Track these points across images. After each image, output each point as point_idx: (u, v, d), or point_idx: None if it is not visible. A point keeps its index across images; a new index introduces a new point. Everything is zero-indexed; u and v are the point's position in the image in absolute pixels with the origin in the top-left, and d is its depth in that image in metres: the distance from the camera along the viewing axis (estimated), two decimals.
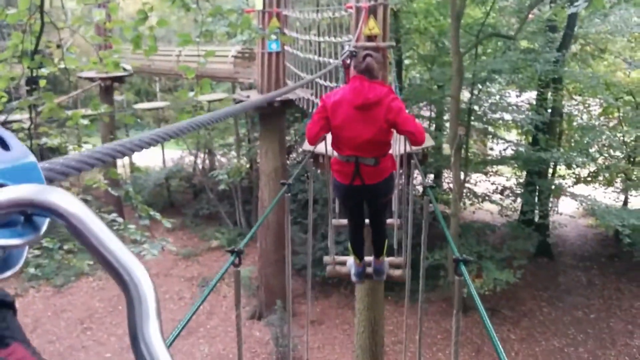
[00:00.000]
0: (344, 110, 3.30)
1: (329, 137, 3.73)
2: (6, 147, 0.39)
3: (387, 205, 4.12)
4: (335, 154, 3.56)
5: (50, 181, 0.43)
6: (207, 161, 19.95)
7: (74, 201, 0.35)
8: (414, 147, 3.75)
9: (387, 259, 4.60)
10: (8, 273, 0.36)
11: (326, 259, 4.83)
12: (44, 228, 0.37)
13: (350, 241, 4.24)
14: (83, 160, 0.67)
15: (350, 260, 4.44)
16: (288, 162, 14.78)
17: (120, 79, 15.74)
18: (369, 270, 4.42)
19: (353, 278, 4.43)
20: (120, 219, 6.69)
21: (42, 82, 4.02)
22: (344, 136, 3.34)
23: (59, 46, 4.00)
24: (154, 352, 0.32)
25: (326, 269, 4.74)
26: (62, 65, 3.93)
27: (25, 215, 0.36)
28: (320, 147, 4.79)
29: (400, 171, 5.16)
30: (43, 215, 0.36)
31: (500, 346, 1.57)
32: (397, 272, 4.61)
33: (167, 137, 0.93)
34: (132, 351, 0.32)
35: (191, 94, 4.04)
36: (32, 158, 0.41)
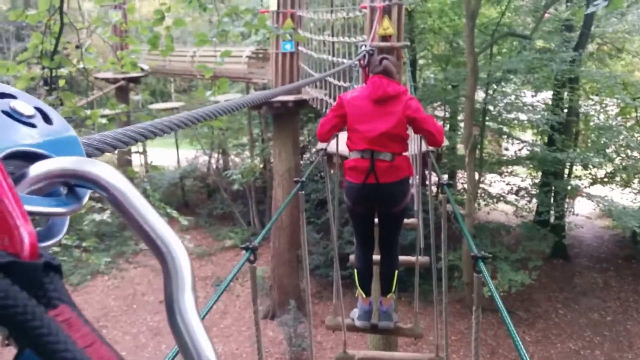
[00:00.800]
0: (362, 103, 3.31)
1: (341, 137, 3.67)
2: (49, 121, 0.41)
3: (400, 223, 3.67)
4: (349, 155, 3.47)
5: (88, 156, 0.45)
6: (220, 161, 20.06)
7: (115, 174, 0.36)
8: (430, 147, 3.67)
9: (404, 258, 4.20)
10: (52, 241, 0.37)
11: (352, 259, 4.29)
12: (85, 199, 0.38)
13: (357, 267, 3.78)
14: (118, 137, 0.70)
15: (355, 309, 3.94)
16: (301, 162, 14.80)
17: (136, 80, 15.89)
18: (374, 320, 3.84)
19: (357, 322, 3.83)
20: None
21: (61, 82, 4.08)
22: (360, 129, 3.29)
23: (77, 47, 4.05)
24: (189, 323, 0.32)
25: (326, 320, 4.18)
26: (81, 66, 3.98)
27: (68, 186, 0.37)
28: (333, 147, 4.75)
29: (416, 172, 5.11)
30: (85, 187, 0.37)
31: (522, 347, 1.56)
32: (407, 325, 4.02)
33: (195, 120, 0.96)
34: (167, 322, 0.33)
35: (208, 93, 4.07)
36: (73, 132, 0.42)
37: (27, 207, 0.32)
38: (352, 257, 4.36)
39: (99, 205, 6.70)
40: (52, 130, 0.40)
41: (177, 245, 0.35)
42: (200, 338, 0.32)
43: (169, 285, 0.33)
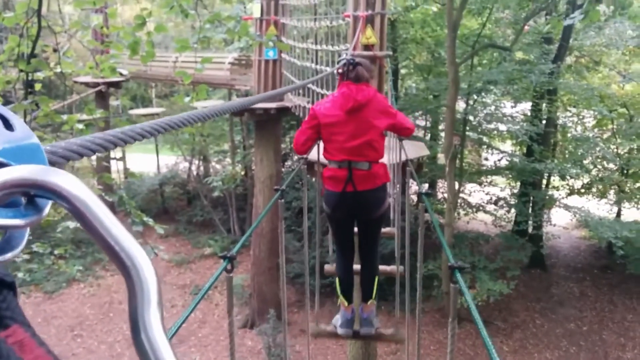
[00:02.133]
0: (336, 115, 3.34)
1: (322, 145, 3.68)
2: (10, 127, 0.39)
3: (379, 229, 3.74)
4: (327, 163, 3.50)
5: (52, 164, 0.42)
6: (201, 168, 19.92)
7: (77, 183, 0.34)
8: (409, 154, 3.77)
9: (381, 267, 4.24)
10: (9, 255, 0.35)
11: (327, 268, 4.45)
12: (46, 210, 0.36)
13: (339, 277, 3.77)
14: (85, 145, 0.66)
15: (337, 316, 3.93)
16: (283, 169, 14.77)
17: (116, 84, 15.70)
18: (355, 327, 3.83)
19: (339, 330, 3.81)
20: None
21: (38, 86, 4.00)
22: (337, 140, 3.34)
23: (55, 50, 3.98)
24: (155, 342, 0.30)
25: (309, 327, 4.22)
26: (58, 70, 3.91)
27: (28, 196, 0.36)
28: (314, 155, 4.75)
29: (395, 181, 5.12)
30: (46, 197, 0.35)
31: (497, 358, 1.55)
32: (388, 330, 4.05)
33: (168, 127, 0.92)
34: (131, 337, 0.31)
35: (187, 99, 4.02)
36: (35, 139, 0.40)
37: None
38: (327, 267, 4.43)
39: None
40: (13, 137, 0.38)
41: (142, 259, 0.33)
42: (167, 359, 0.30)
43: (133, 301, 0.32)
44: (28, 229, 0.37)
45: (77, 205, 0.33)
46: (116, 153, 16.41)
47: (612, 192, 15.80)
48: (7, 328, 0.27)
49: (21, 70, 3.76)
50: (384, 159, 3.59)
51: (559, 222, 16.02)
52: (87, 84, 15.25)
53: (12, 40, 3.75)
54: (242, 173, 17.45)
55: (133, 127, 0.82)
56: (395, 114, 3.46)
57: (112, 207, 16.07)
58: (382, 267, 4.44)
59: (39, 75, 3.95)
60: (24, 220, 0.35)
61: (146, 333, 0.31)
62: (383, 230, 4.44)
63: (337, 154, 3.35)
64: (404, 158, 4.67)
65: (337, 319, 3.93)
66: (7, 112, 0.40)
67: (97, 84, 14.88)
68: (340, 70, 3.45)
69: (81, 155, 0.66)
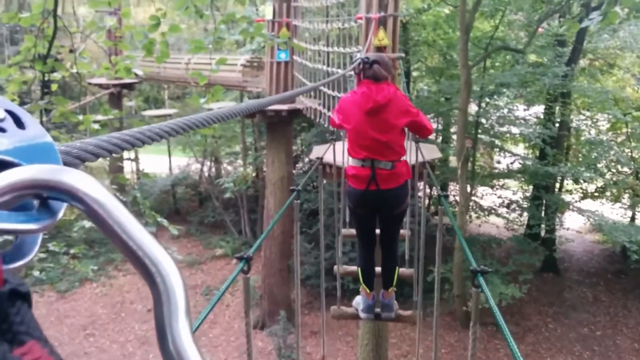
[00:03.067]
0: (356, 115, 3.36)
1: (338, 146, 3.70)
2: (21, 125, 0.36)
3: (400, 222, 3.84)
4: (350, 161, 3.54)
5: (66, 166, 0.40)
6: (213, 169, 19.99)
7: (94, 184, 0.32)
8: (426, 155, 3.74)
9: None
10: (20, 262, 0.32)
11: (336, 268, 4.62)
12: (61, 213, 0.33)
13: (360, 266, 3.92)
14: (101, 145, 0.64)
15: (358, 297, 4.12)
16: (294, 171, 14.78)
17: (129, 86, 15.84)
18: (377, 309, 4.06)
19: (362, 314, 4.03)
20: None
21: (54, 87, 4.04)
22: (359, 140, 3.38)
23: (71, 51, 4.01)
24: (184, 353, 0.28)
25: (330, 310, 4.39)
26: (74, 70, 3.95)
27: (41, 198, 0.33)
28: (329, 157, 4.78)
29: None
30: (60, 199, 0.32)
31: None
32: (407, 313, 4.26)
33: (186, 127, 0.91)
34: (159, 349, 0.29)
35: (202, 100, 4.04)
36: (49, 138, 0.37)
37: None
38: (336, 268, 4.63)
39: None
40: (25, 136, 0.35)
41: (168, 265, 0.31)
42: None
43: (159, 311, 0.29)
44: (40, 235, 0.34)
45: (95, 208, 0.31)
46: (130, 154, 16.55)
47: (626, 196, 15.63)
48: (22, 345, 0.24)
49: (40, 71, 3.79)
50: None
51: (572, 225, 15.86)
52: (100, 86, 15.40)
53: (29, 40, 3.79)
54: (254, 175, 17.49)
55: (150, 127, 0.81)
56: (417, 113, 3.45)
57: (125, 206, 16.33)
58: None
59: (56, 75, 3.99)
60: (37, 224, 0.32)
61: (175, 345, 0.28)
62: None
63: (360, 152, 3.39)
64: (419, 160, 4.70)
65: (359, 303, 4.06)
66: (18, 110, 0.37)
67: (111, 85, 15.02)
68: (355, 70, 3.47)
69: (97, 156, 0.63)
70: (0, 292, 0.25)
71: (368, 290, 3.92)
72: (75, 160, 0.58)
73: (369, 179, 3.37)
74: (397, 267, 3.89)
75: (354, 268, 4.56)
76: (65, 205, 0.33)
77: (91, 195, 0.31)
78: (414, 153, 4.54)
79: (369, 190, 3.40)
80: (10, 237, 0.33)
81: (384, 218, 3.68)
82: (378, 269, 4.00)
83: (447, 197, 3.58)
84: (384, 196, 3.43)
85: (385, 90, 3.33)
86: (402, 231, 5.23)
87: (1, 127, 0.35)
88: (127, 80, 14.63)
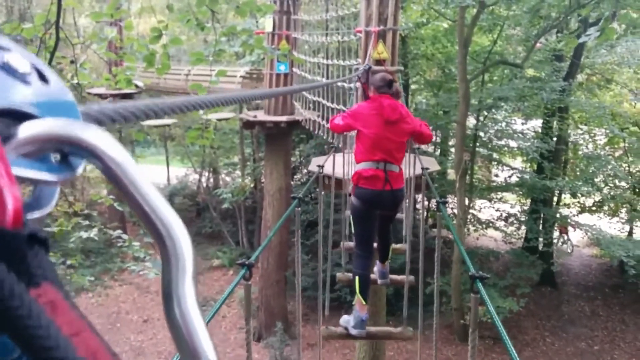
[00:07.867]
0: (377, 123, 3.69)
1: (338, 158, 3.81)
2: (46, 81, 0.36)
3: (393, 219, 4.36)
4: (361, 165, 3.78)
5: None
6: (211, 180, 19.99)
7: (114, 143, 0.32)
8: (424, 166, 4.35)
9: (392, 276, 4.64)
10: (37, 213, 0.32)
11: (339, 276, 4.82)
12: (79, 169, 0.34)
13: (359, 275, 3.89)
14: (118, 110, 0.66)
15: (345, 316, 4.07)
16: (293, 182, 14.79)
17: (129, 96, 15.86)
18: (373, 276, 4.40)
19: (353, 331, 3.92)
20: (125, 236, 6.69)
21: None
22: (377, 143, 3.68)
23: (72, 62, 4.04)
24: (188, 316, 0.29)
25: (321, 331, 4.27)
26: (75, 81, 3.96)
27: (61, 153, 0.33)
28: (328, 168, 4.83)
29: (406, 195, 5.18)
30: (80, 155, 0.32)
31: None
32: (397, 330, 4.49)
33: (204, 104, 0.95)
34: (163, 311, 0.30)
35: (201, 111, 4.06)
36: (71, 97, 0.37)
37: (14, 170, 0.28)
38: (339, 275, 4.89)
39: (86, 222, 6.65)
40: (48, 92, 0.35)
41: (179, 228, 0.31)
42: (200, 333, 0.29)
43: (167, 272, 0.30)
44: (58, 189, 0.34)
45: (112, 167, 0.31)
46: None
47: (623, 210, 15.65)
48: (38, 286, 0.25)
49: None
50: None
51: (570, 239, 15.86)
52: (100, 96, 15.42)
53: (30, 51, 3.81)
54: (252, 186, 17.49)
55: (164, 101, 0.82)
56: (420, 123, 3.89)
57: (123, 217, 16.08)
58: (392, 277, 4.77)
59: None
60: (57, 175, 0.32)
61: (179, 306, 0.29)
62: (394, 246, 4.95)
63: (377, 154, 3.68)
64: (417, 172, 4.91)
65: (348, 320, 4.02)
66: (42, 65, 0.37)
67: (110, 96, 15.05)
68: (362, 79, 3.77)
69: (114, 121, 0.65)
70: (20, 235, 0.26)
71: (364, 302, 3.88)
72: (93, 122, 0.59)
73: (384, 179, 3.68)
74: (391, 245, 4.43)
75: (350, 276, 4.58)
76: (83, 162, 0.34)
77: (110, 154, 0.31)
78: (412, 165, 4.65)
79: (385, 190, 3.70)
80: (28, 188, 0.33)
81: (385, 217, 4.02)
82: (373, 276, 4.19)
83: (445, 203, 3.74)
84: (395, 195, 3.78)
85: (403, 109, 3.80)
86: (400, 245, 5.40)
87: (27, 80, 0.35)
88: (126, 91, 14.65)
